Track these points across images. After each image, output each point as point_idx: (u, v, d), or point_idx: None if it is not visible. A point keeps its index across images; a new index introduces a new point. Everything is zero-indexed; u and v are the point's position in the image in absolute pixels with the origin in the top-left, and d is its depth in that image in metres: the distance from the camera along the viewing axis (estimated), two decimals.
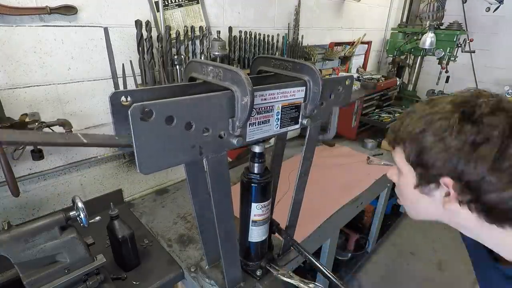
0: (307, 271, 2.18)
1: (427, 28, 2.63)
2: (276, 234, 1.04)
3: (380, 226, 2.54)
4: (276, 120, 0.75)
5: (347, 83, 0.87)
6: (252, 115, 0.67)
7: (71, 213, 0.88)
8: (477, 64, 3.73)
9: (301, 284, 0.87)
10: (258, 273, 0.99)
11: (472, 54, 3.00)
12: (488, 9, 3.01)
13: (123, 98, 0.61)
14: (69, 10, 1.13)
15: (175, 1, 1.45)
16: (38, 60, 1.14)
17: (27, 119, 1.07)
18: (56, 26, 1.14)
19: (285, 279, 0.92)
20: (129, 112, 0.49)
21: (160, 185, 1.73)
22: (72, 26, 1.18)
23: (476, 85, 3.93)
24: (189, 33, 1.47)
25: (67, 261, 0.89)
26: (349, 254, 2.44)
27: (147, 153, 0.53)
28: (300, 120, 0.81)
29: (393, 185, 2.38)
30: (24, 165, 1.21)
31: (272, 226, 1.01)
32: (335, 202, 1.63)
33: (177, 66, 1.40)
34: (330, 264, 1.87)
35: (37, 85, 1.16)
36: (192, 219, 1.45)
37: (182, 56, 1.41)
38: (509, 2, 3.17)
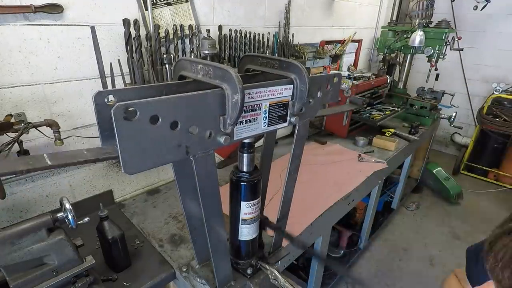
0: (300, 269, 2.20)
1: (417, 26, 2.66)
2: (268, 230, 1.04)
3: (372, 222, 2.57)
4: (264, 119, 0.75)
5: (334, 80, 0.87)
6: None
7: (59, 215, 0.87)
8: (465, 62, 3.79)
9: (287, 284, 0.88)
10: (249, 271, 0.99)
11: (461, 52, 3.05)
12: (476, 7, 3.06)
13: (108, 98, 0.60)
14: (54, 9, 1.11)
15: (164, 0, 1.43)
16: (23, 60, 1.12)
17: (12, 120, 1.05)
18: (42, 25, 1.12)
19: (271, 281, 0.92)
20: (111, 112, 0.48)
21: (152, 185, 1.72)
22: (58, 25, 1.16)
23: (465, 82, 3.99)
24: (179, 32, 1.46)
25: (55, 263, 0.88)
26: (342, 251, 2.46)
27: (132, 153, 0.53)
28: (288, 118, 0.81)
29: (384, 182, 2.38)
30: None
31: (262, 222, 1.01)
32: (327, 199, 1.64)
33: (167, 65, 1.39)
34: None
35: (22, 85, 1.14)
36: (183, 219, 1.44)
37: (172, 55, 1.41)
38: (496, 1, 3.23)
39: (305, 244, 0.94)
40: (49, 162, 0.53)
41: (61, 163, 0.54)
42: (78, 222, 0.88)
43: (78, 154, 0.55)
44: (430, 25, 2.80)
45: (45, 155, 0.54)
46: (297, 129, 0.88)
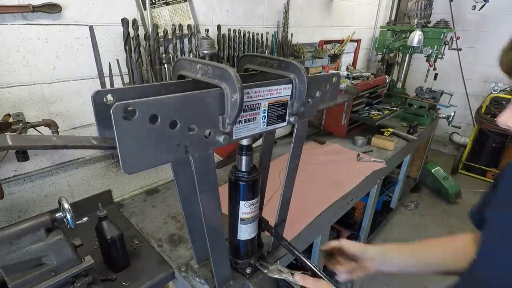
0: (299, 268, 2.19)
1: (415, 26, 2.66)
2: (266, 232, 1.04)
3: (371, 222, 2.57)
4: (263, 118, 0.75)
5: (333, 80, 0.87)
6: None
7: (57, 215, 0.86)
8: (464, 62, 3.80)
9: (289, 277, 0.88)
10: (248, 271, 0.99)
11: (459, 51, 3.06)
12: (474, 7, 3.07)
13: (107, 97, 0.60)
14: (52, 8, 1.11)
15: None
16: (21, 60, 1.12)
17: (10, 120, 1.05)
18: (40, 24, 1.12)
19: (275, 276, 0.92)
20: (111, 111, 0.48)
21: (150, 185, 1.72)
22: (57, 24, 1.16)
23: (464, 82, 4.01)
24: (177, 32, 1.46)
25: (54, 263, 0.88)
26: None
27: (131, 153, 0.53)
28: (287, 117, 0.81)
29: (383, 181, 2.38)
30: (9, 166, 1.19)
31: (261, 224, 1.01)
32: (326, 199, 1.64)
33: (165, 65, 1.39)
34: (321, 260, 1.89)
35: (21, 85, 1.14)
36: (182, 219, 1.44)
37: (170, 55, 1.40)
38: (494, 1, 3.24)
39: (298, 251, 0.95)
40: (10, 143, 0.52)
41: (24, 145, 0.53)
42: (77, 222, 0.88)
43: (46, 139, 0.54)
44: (429, 25, 2.81)
45: (7, 135, 0.53)
46: (296, 128, 0.88)
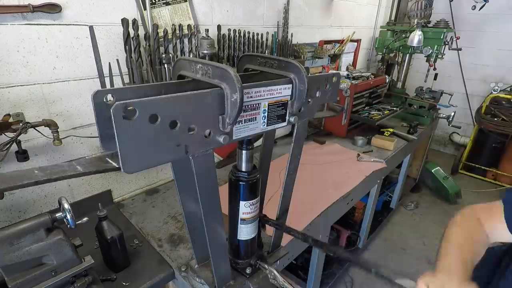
0: (299, 268, 2.20)
1: (415, 26, 2.66)
2: (267, 230, 1.04)
3: (371, 222, 2.57)
4: (263, 118, 0.75)
5: (333, 80, 0.87)
6: None
7: (57, 215, 0.86)
8: (464, 62, 3.80)
9: (286, 284, 0.88)
10: (248, 271, 0.99)
11: (459, 51, 3.06)
12: (474, 7, 3.07)
13: (107, 97, 0.60)
14: (52, 8, 1.11)
15: None
16: (21, 59, 1.12)
17: (10, 120, 1.05)
18: (40, 24, 1.12)
19: (270, 281, 0.92)
20: (111, 111, 0.48)
21: (151, 185, 1.72)
22: (57, 24, 1.16)
23: (464, 82, 4.01)
24: (177, 32, 1.46)
25: (54, 263, 0.88)
26: None
27: (131, 152, 0.53)
28: (287, 117, 0.81)
29: (383, 181, 2.38)
30: (9, 166, 1.18)
31: (261, 222, 1.01)
32: (326, 199, 1.64)
33: (165, 65, 1.39)
34: (321, 260, 1.89)
35: (21, 85, 1.14)
36: (182, 219, 1.44)
37: (170, 55, 1.40)
38: (494, 1, 3.24)
39: (307, 237, 0.94)
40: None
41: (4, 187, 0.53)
42: (77, 222, 0.88)
43: (27, 175, 0.55)
44: (429, 25, 2.81)
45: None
46: (296, 128, 0.88)
